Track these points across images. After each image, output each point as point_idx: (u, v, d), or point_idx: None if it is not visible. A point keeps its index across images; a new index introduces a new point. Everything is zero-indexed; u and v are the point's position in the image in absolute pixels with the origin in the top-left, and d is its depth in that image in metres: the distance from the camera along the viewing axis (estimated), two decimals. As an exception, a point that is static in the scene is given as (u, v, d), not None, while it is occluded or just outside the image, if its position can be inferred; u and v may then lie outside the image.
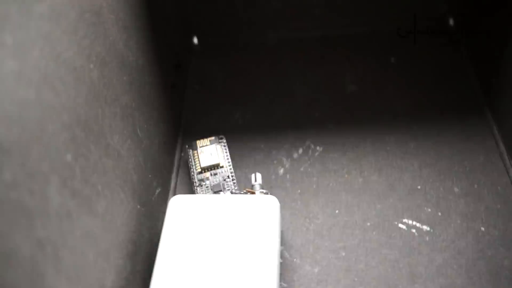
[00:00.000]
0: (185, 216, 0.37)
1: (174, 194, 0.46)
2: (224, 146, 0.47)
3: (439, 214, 0.42)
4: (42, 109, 0.25)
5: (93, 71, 0.32)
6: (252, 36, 0.59)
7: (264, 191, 0.42)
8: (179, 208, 0.38)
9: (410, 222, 0.41)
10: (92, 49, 0.32)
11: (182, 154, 0.49)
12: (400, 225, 0.41)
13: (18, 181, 0.22)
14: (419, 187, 0.44)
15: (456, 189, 0.43)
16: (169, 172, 0.47)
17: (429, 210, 0.42)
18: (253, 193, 0.41)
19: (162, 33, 0.49)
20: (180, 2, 0.56)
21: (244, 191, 0.42)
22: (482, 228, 0.40)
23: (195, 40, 0.60)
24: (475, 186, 0.43)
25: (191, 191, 0.45)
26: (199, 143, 0.47)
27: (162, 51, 0.48)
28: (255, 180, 0.43)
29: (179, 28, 0.58)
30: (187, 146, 0.48)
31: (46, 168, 0.25)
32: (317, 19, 0.57)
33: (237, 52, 0.58)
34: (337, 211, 0.43)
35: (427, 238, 0.40)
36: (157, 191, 0.43)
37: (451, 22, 0.57)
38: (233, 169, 0.46)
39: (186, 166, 0.48)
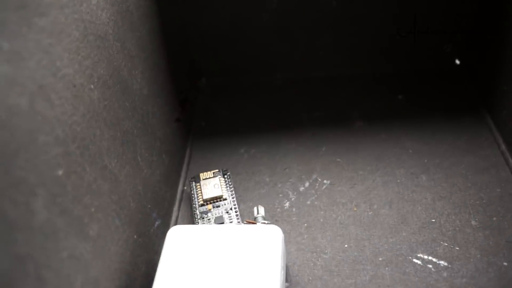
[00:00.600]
0: (183, 247, 0.35)
1: (175, 228, 0.44)
2: (228, 178, 0.46)
3: (457, 248, 0.39)
4: (34, 119, 0.24)
5: (94, 92, 0.31)
6: (259, 76, 0.60)
7: (266, 222, 0.40)
8: (178, 239, 0.36)
9: (425, 257, 0.38)
10: (94, 71, 0.32)
11: (185, 188, 0.48)
12: (415, 260, 0.38)
13: (0, 189, 0.21)
14: (433, 220, 0.41)
15: (473, 222, 0.40)
16: (171, 205, 0.45)
17: (446, 244, 0.39)
18: (254, 224, 0.39)
19: (169, 70, 0.49)
20: (188, 44, 0.57)
21: (245, 222, 0.40)
22: (505, 263, 0.37)
23: (203, 80, 0.61)
24: (494, 219, 0.40)
25: (193, 224, 0.43)
26: (203, 175, 0.46)
27: (168, 86, 0.48)
28: (258, 213, 0.41)
29: (186, 67, 0.59)
30: (190, 179, 0.47)
31: (33, 180, 0.23)
32: (323, 61, 0.58)
33: (245, 91, 0.59)
34: (346, 246, 0.40)
35: (445, 274, 0.37)
36: (157, 223, 0.41)
37: (457, 61, 0.57)
38: (237, 202, 0.44)
39: (188, 200, 0.46)
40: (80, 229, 0.28)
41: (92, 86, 0.31)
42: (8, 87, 0.23)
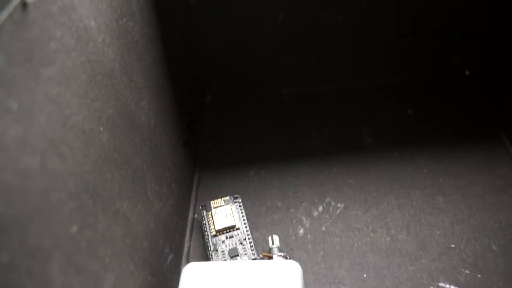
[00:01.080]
0: (199, 286, 0.34)
1: (188, 260, 0.43)
2: (240, 206, 0.44)
3: (479, 276, 0.38)
4: (47, 178, 0.23)
5: (103, 134, 0.30)
6: (266, 92, 0.59)
7: (283, 254, 0.39)
8: (194, 277, 0.35)
9: (447, 286, 0.38)
10: (103, 112, 0.31)
11: (196, 215, 0.47)
12: (437, 290, 0.37)
13: (17, 262, 0.20)
14: (453, 245, 0.40)
15: (494, 247, 0.40)
16: (182, 236, 0.44)
17: (467, 271, 0.38)
18: (270, 257, 0.38)
19: (175, 92, 0.48)
20: (193, 61, 0.56)
21: (261, 256, 0.39)
22: (529, 291, 0.36)
23: (208, 98, 0.59)
24: (515, 243, 0.40)
25: (206, 255, 0.42)
26: (213, 203, 0.45)
27: (174, 110, 0.47)
28: (273, 243, 0.40)
29: (191, 87, 0.57)
30: (200, 207, 0.45)
31: (48, 245, 0.22)
32: (330, 74, 0.57)
33: (251, 108, 0.57)
34: (365, 275, 0.39)
35: (469, 304, 0.36)
36: (169, 257, 0.40)
37: (467, 72, 0.56)
38: (250, 230, 0.43)
39: (199, 228, 0.45)
40: (95, 284, 0.27)
41: (101, 129, 0.30)
42: (19, 150, 0.21)
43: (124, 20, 0.36)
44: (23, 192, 0.21)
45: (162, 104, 0.44)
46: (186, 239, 0.45)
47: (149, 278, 0.35)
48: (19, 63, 0.22)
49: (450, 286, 0.38)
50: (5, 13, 0.22)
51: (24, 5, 0.23)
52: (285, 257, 0.39)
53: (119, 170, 0.32)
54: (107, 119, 0.31)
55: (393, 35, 0.53)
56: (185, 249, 0.44)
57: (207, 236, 0.42)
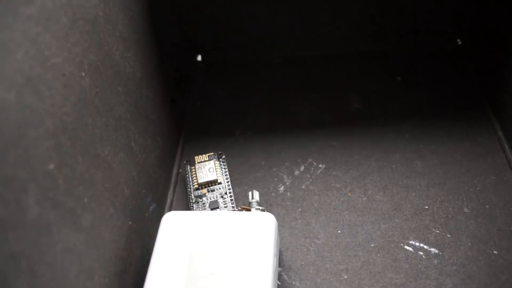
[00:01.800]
0: (178, 233, 0.36)
1: (170, 211, 0.44)
2: (223, 162, 0.45)
3: (448, 236, 0.39)
4: (23, 113, 0.24)
5: (85, 79, 0.31)
6: (256, 54, 0.59)
7: (261, 208, 0.40)
8: (172, 225, 0.36)
9: (417, 244, 0.39)
10: (85, 57, 0.31)
11: (180, 170, 0.48)
12: (407, 247, 0.39)
13: (-11, 187, 0.21)
14: (426, 207, 0.41)
15: (466, 210, 0.41)
16: (166, 188, 0.45)
17: (438, 231, 0.39)
18: (248, 210, 0.39)
19: (163, 49, 0.48)
20: (183, 19, 0.56)
21: (239, 208, 0.40)
22: (495, 252, 0.38)
23: (199, 58, 0.59)
24: (487, 206, 0.41)
25: (188, 208, 0.43)
26: (198, 158, 0.46)
27: (162, 66, 0.47)
28: (252, 198, 0.41)
29: (181, 45, 0.57)
30: (185, 162, 0.46)
31: (23, 176, 0.23)
32: (322, 38, 0.57)
33: (241, 70, 0.58)
34: (339, 231, 0.41)
35: (436, 261, 0.38)
36: (152, 207, 0.41)
37: (459, 41, 0.56)
38: (232, 186, 0.44)
39: (184, 182, 0.46)
40: (73, 221, 0.28)
41: (83, 74, 0.31)
42: (-6, 82, 0.22)
43: (110, -33, 0.36)
44: (-2, 123, 0.22)
45: (149, 59, 0.44)
46: (170, 191, 0.46)
47: (130, 223, 0.36)
48: (-4, -2, 0.23)
49: (419, 244, 0.39)
50: None
51: None
52: (263, 211, 0.40)
53: (101, 117, 0.33)
54: (89, 65, 0.31)
55: (390, 3, 0.53)
56: (168, 201, 0.45)
57: (189, 189, 0.44)
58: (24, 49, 0.24)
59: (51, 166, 0.26)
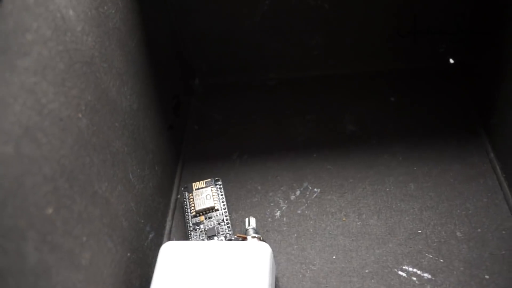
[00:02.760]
0: (176, 263, 0.37)
1: (169, 238, 0.45)
2: (220, 188, 0.46)
3: (441, 260, 0.40)
4: (21, 164, 0.25)
5: (82, 120, 0.32)
6: (252, 76, 0.60)
7: (257, 235, 0.41)
8: (170, 255, 0.37)
9: (410, 269, 0.40)
10: (81, 99, 0.32)
11: (179, 196, 0.49)
12: (400, 273, 0.39)
13: (-11, 241, 0.22)
14: (419, 231, 0.42)
15: (458, 234, 0.41)
16: (164, 215, 0.46)
17: (431, 256, 0.40)
18: (245, 238, 0.40)
19: (160, 77, 0.49)
20: (179, 44, 0.57)
21: (236, 236, 0.41)
22: (487, 276, 0.38)
23: (197, 81, 0.61)
24: (479, 230, 0.41)
25: (186, 235, 0.44)
26: (195, 185, 0.47)
27: (159, 94, 0.48)
28: (249, 225, 0.42)
29: (178, 70, 0.58)
30: (183, 188, 0.47)
31: (23, 225, 0.24)
32: (316, 60, 0.58)
33: (237, 93, 0.59)
34: (334, 257, 0.41)
35: (428, 287, 0.38)
36: (150, 236, 0.42)
37: (451, 61, 0.56)
38: (229, 212, 0.45)
39: (182, 209, 0.47)
40: (72, 261, 0.29)
41: (80, 115, 0.32)
42: (-7, 138, 0.23)
43: (105, 7, 0.37)
44: (-3, 177, 0.23)
45: (146, 89, 0.45)
46: (168, 218, 0.47)
47: (129, 254, 0.37)
48: (-7, 55, 0.24)
49: (413, 269, 0.40)
50: (-20, 8, 0.23)
51: (-1, -1, 0.24)
52: (259, 239, 0.41)
53: (98, 154, 0.34)
54: (85, 106, 0.33)
55: (377, 22, 0.54)
56: (167, 228, 0.46)
57: (187, 216, 0.45)
58: (22, 101, 0.25)
59: (49, 210, 0.27)
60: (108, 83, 0.37)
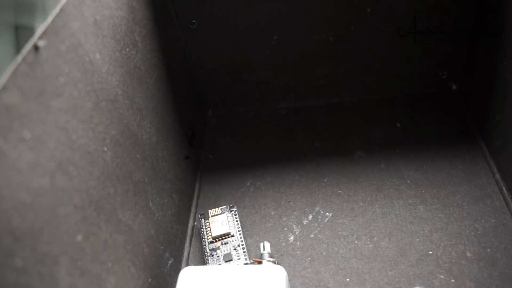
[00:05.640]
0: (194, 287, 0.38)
1: (187, 264, 0.47)
2: (235, 214, 0.48)
3: (453, 280, 0.41)
4: (56, 195, 0.27)
5: (107, 153, 0.34)
6: (262, 106, 0.63)
7: (272, 259, 0.42)
8: (189, 280, 0.39)
9: (422, 290, 0.41)
10: (107, 133, 0.35)
11: (195, 223, 0.51)
12: (413, 293, 0.40)
13: (28, 267, 0.24)
14: (430, 252, 0.43)
15: (468, 254, 0.42)
16: (182, 242, 0.48)
17: (442, 276, 0.41)
18: (260, 262, 0.42)
19: (176, 110, 0.52)
20: (194, 80, 0.60)
21: (252, 261, 0.43)
22: (498, 296, 0.39)
23: (210, 113, 0.64)
24: (488, 250, 0.42)
25: (203, 260, 0.46)
26: (211, 212, 0.49)
27: (176, 126, 0.51)
28: (264, 249, 0.43)
29: (193, 103, 0.61)
30: (199, 216, 0.49)
31: (56, 251, 0.26)
32: (323, 89, 0.60)
33: (248, 122, 0.61)
34: (348, 279, 0.42)
35: (441, 307, 0.39)
36: (170, 262, 0.44)
37: (454, 86, 0.59)
38: (244, 237, 0.46)
39: (199, 235, 0.49)
40: (99, 286, 0.31)
41: (105, 148, 0.34)
42: (32, 172, 0.26)
43: (127, 49, 0.40)
44: (35, 207, 0.25)
45: (164, 122, 0.48)
46: (186, 244, 0.48)
47: (150, 280, 0.39)
48: (32, 98, 0.27)
49: (425, 290, 0.41)
50: (20, 57, 0.26)
51: (36, 48, 0.28)
52: (274, 262, 0.42)
53: (121, 184, 0.36)
54: (110, 140, 0.35)
55: (379, 52, 0.56)
56: (185, 254, 0.48)
57: (204, 242, 0.46)
58: (55, 138, 0.28)
59: (79, 238, 0.29)
60: (130, 118, 0.40)
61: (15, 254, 0.23)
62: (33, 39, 0.27)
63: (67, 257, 0.27)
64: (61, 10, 0.30)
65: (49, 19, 0.29)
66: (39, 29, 0.28)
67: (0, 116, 0.24)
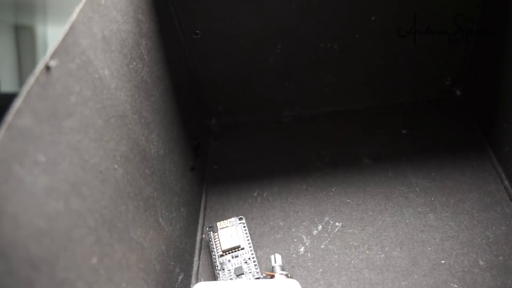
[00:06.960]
0: (207, 305, 0.38)
1: (197, 278, 0.46)
2: (244, 226, 0.48)
3: (467, 290, 0.40)
4: (70, 218, 0.27)
5: (118, 170, 0.34)
6: (267, 115, 0.62)
7: (284, 272, 0.42)
8: (202, 296, 0.38)
9: (437, 300, 0.40)
10: (117, 150, 0.34)
11: (203, 236, 0.50)
12: (427, 304, 0.40)
13: (47, 295, 0.23)
14: (443, 261, 0.43)
15: (481, 262, 0.42)
16: (191, 256, 0.48)
17: (456, 286, 0.41)
18: (272, 276, 0.41)
19: (182, 121, 0.52)
20: (198, 89, 0.59)
21: (264, 274, 0.42)
22: (513, 305, 0.39)
23: (213, 121, 0.63)
24: (500, 258, 0.42)
25: (213, 273, 0.45)
26: (220, 224, 0.48)
27: (182, 137, 0.51)
28: (275, 262, 0.43)
29: (196, 112, 0.61)
30: (207, 228, 0.49)
31: (72, 276, 0.26)
32: (328, 97, 0.60)
33: (254, 131, 0.61)
34: (360, 291, 0.42)
35: (457, 318, 0.39)
36: (180, 277, 0.43)
37: (458, 92, 0.59)
38: (254, 250, 0.46)
39: (207, 247, 0.48)
40: (114, 307, 0.30)
41: (116, 166, 0.34)
42: (47, 196, 0.25)
43: (134, 63, 0.40)
44: (51, 233, 0.25)
45: (170, 134, 0.47)
46: (195, 258, 0.48)
47: (161, 297, 0.38)
48: (45, 119, 0.26)
49: (439, 300, 0.40)
50: (32, 78, 0.26)
51: (47, 68, 0.27)
52: (287, 276, 0.42)
53: (132, 201, 0.36)
54: (120, 157, 0.35)
55: (384, 59, 0.56)
56: (195, 268, 0.47)
57: (214, 256, 0.46)
58: (68, 159, 0.28)
59: (94, 260, 0.29)
60: (138, 133, 0.39)
61: (34, 285, 0.22)
62: (45, 59, 0.27)
63: (83, 282, 0.27)
64: (71, 27, 0.30)
65: (60, 37, 0.28)
66: (50, 48, 0.28)
67: (15, 141, 0.23)
